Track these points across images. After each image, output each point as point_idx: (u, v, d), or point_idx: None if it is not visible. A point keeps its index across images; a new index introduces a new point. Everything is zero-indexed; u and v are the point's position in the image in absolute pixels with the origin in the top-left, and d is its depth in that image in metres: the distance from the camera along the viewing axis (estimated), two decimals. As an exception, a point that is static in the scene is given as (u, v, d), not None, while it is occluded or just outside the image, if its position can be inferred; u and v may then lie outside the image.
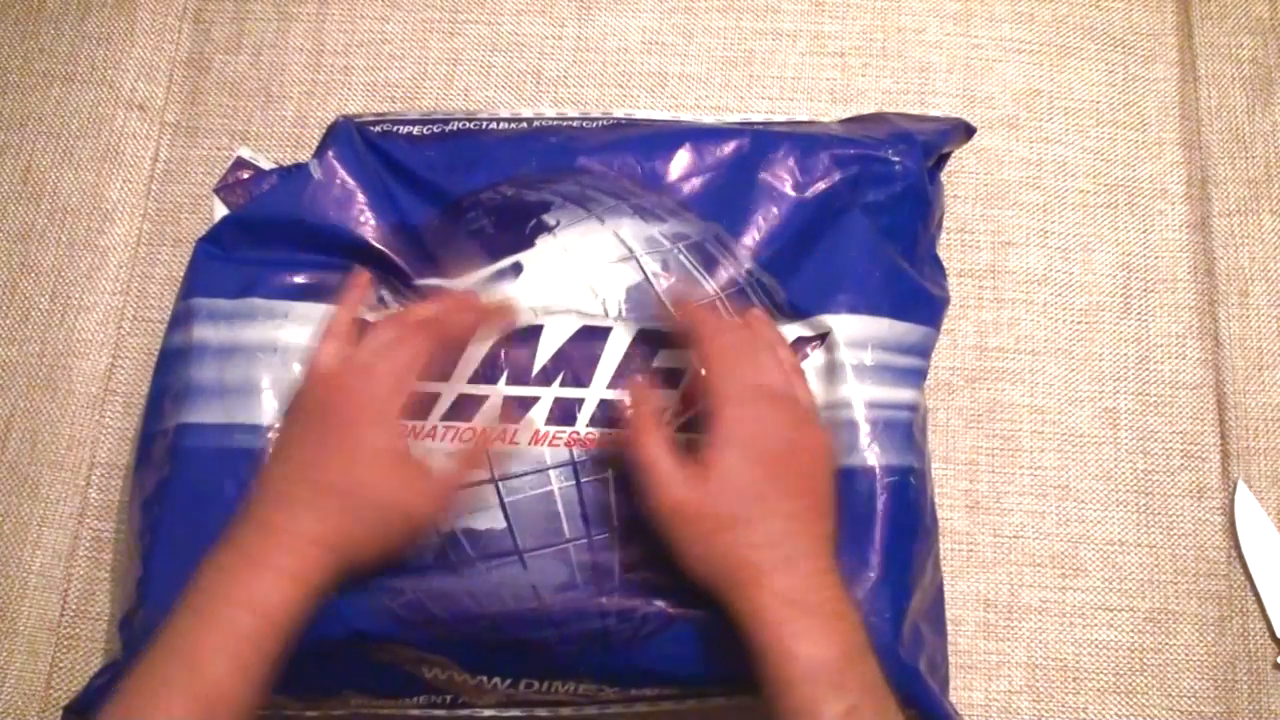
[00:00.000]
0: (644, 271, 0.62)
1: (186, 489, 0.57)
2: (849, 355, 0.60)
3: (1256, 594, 0.67)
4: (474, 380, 0.59)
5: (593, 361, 0.60)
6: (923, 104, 0.75)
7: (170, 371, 0.60)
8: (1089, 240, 0.73)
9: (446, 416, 0.58)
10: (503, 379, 0.59)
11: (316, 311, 0.60)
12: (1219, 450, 0.69)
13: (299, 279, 0.61)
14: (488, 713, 0.59)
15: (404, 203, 0.63)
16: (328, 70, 0.77)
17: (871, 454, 0.58)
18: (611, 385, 0.59)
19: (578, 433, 0.58)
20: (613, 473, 0.58)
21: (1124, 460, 0.69)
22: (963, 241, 0.73)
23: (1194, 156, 0.74)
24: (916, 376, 0.62)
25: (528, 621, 0.55)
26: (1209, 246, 0.73)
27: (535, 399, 0.59)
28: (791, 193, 0.62)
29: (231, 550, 0.50)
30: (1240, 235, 0.73)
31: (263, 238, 0.62)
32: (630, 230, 0.62)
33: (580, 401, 0.59)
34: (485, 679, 0.56)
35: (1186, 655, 0.66)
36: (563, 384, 0.59)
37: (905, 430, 0.59)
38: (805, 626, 0.48)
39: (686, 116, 0.69)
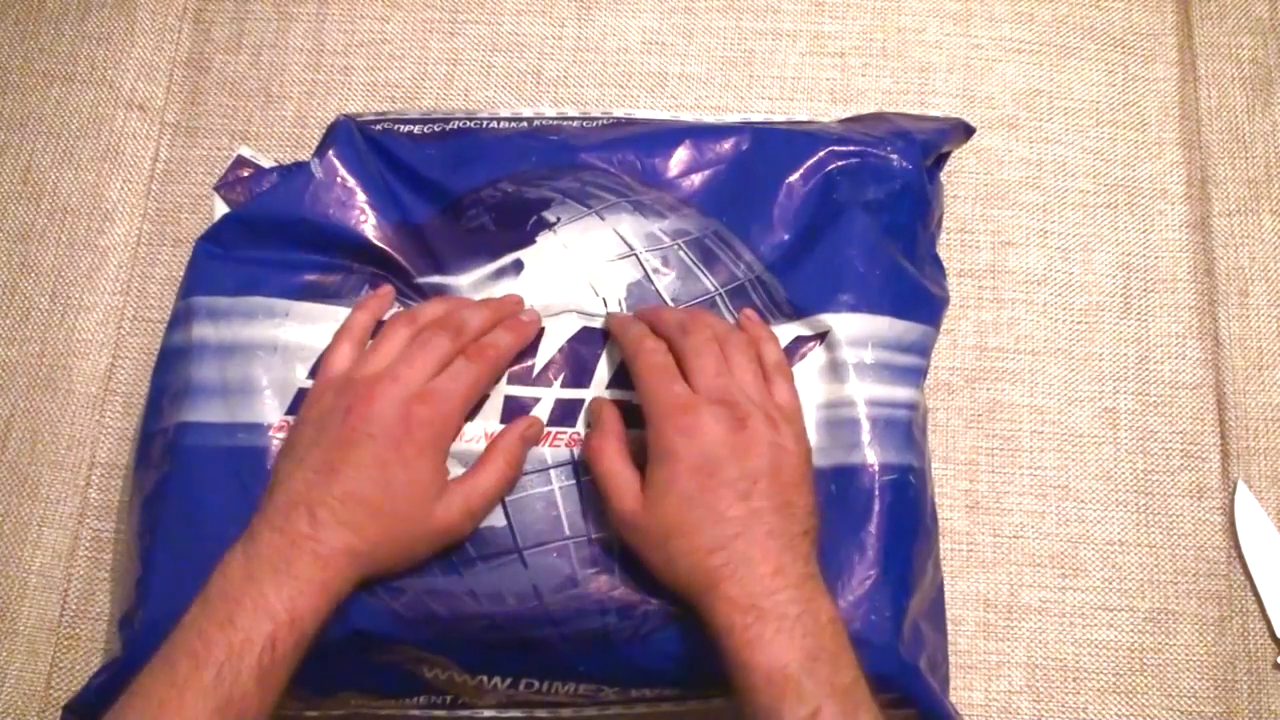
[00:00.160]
0: (644, 268, 0.62)
1: (186, 488, 0.57)
2: (849, 354, 0.59)
3: (1256, 594, 0.67)
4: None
5: (593, 361, 0.60)
6: (923, 104, 0.75)
7: (170, 370, 0.60)
8: (1089, 240, 0.73)
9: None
10: (504, 379, 0.59)
11: (317, 310, 0.60)
12: (1219, 450, 0.69)
13: (299, 278, 0.61)
14: (488, 713, 0.58)
15: (405, 201, 0.63)
16: (328, 70, 0.77)
17: (871, 452, 0.58)
18: (611, 385, 0.59)
19: (578, 433, 0.58)
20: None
21: (1124, 460, 0.69)
22: (963, 241, 0.73)
23: (1194, 156, 0.75)
24: (916, 375, 0.62)
25: (528, 620, 0.55)
26: (1209, 246, 0.73)
27: (536, 400, 0.59)
28: (791, 190, 0.62)
29: (253, 557, 0.50)
30: (1240, 235, 0.73)
31: (263, 236, 0.62)
32: (630, 227, 0.62)
33: (581, 402, 0.59)
34: (485, 679, 0.56)
35: (1186, 655, 0.66)
36: (563, 385, 0.59)
37: (905, 429, 0.59)
38: (759, 633, 0.48)
39: (686, 116, 0.69)
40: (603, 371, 0.60)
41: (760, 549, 0.50)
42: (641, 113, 0.70)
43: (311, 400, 0.56)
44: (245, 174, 0.65)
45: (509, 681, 0.56)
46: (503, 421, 0.58)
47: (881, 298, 0.61)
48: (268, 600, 0.48)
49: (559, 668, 0.56)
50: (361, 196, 0.62)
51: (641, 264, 0.62)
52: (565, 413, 0.59)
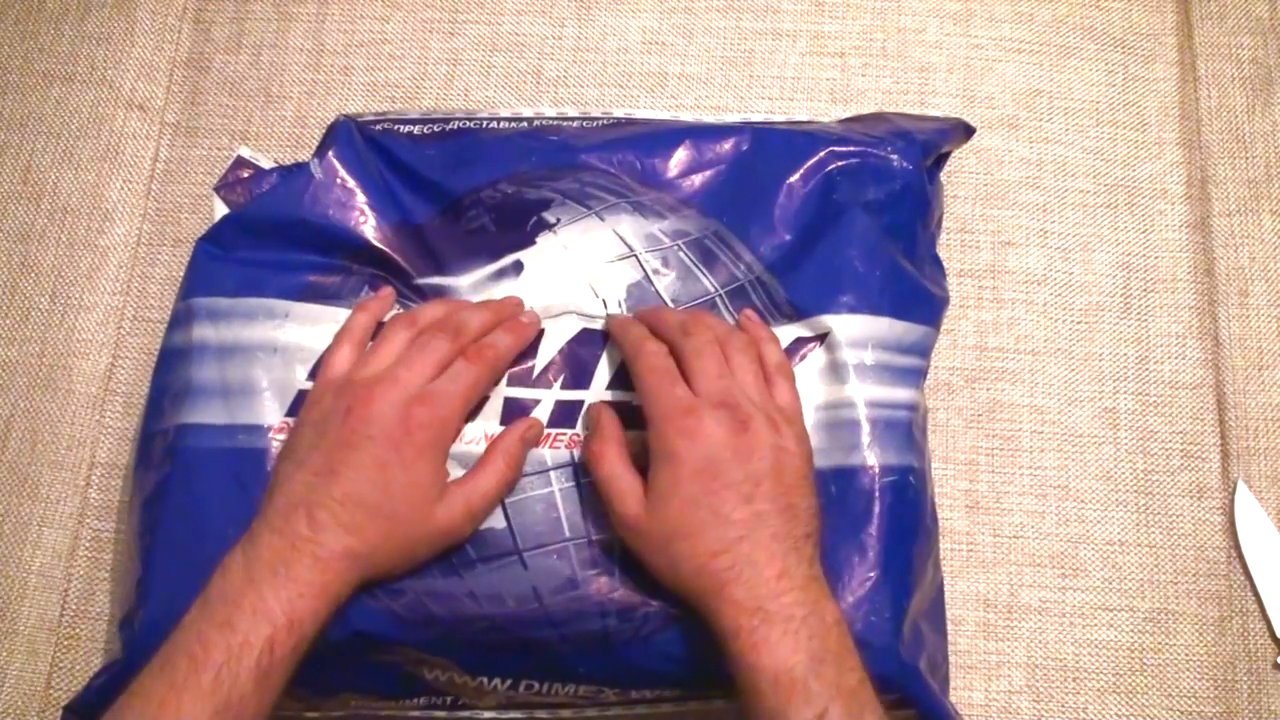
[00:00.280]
0: (644, 269, 0.62)
1: (186, 489, 0.57)
2: (850, 355, 0.59)
3: (1256, 594, 0.67)
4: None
5: (593, 363, 0.60)
6: (923, 104, 0.75)
7: (170, 371, 0.60)
8: (1089, 240, 0.73)
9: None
10: (504, 380, 0.59)
11: (317, 311, 0.60)
12: (1219, 450, 0.69)
13: (299, 279, 0.61)
14: (488, 714, 0.58)
15: (405, 202, 0.63)
16: (328, 70, 0.77)
17: (871, 454, 0.58)
18: (611, 387, 0.59)
19: (578, 434, 0.58)
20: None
21: (1124, 460, 0.69)
22: (963, 241, 0.73)
23: (1194, 156, 0.75)
24: (916, 376, 0.62)
25: (528, 622, 0.55)
26: (1209, 246, 0.73)
27: (536, 401, 0.59)
28: (791, 191, 0.62)
29: (253, 559, 0.50)
30: (1240, 235, 0.73)
31: (263, 237, 0.62)
32: (630, 227, 0.62)
33: (580, 403, 0.59)
34: (485, 680, 0.56)
35: (1186, 655, 0.66)
36: (563, 386, 0.59)
37: (905, 430, 0.59)
38: (765, 635, 0.48)
39: (686, 116, 0.69)
40: (603, 373, 0.60)
41: (765, 551, 0.50)
42: (641, 113, 0.70)
43: (311, 402, 0.56)
44: (245, 175, 0.65)
45: (509, 683, 0.56)
46: (503, 423, 0.58)
47: (881, 299, 0.61)
48: (266, 603, 0.48)
49: (559, 669, 0.56)
50: (361, 197, 0.62)
51: (641, 265, 0.62)
52: (565, 414, 0.59)
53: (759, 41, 0.77)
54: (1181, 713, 0.65)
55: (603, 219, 0.62)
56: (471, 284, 0.62)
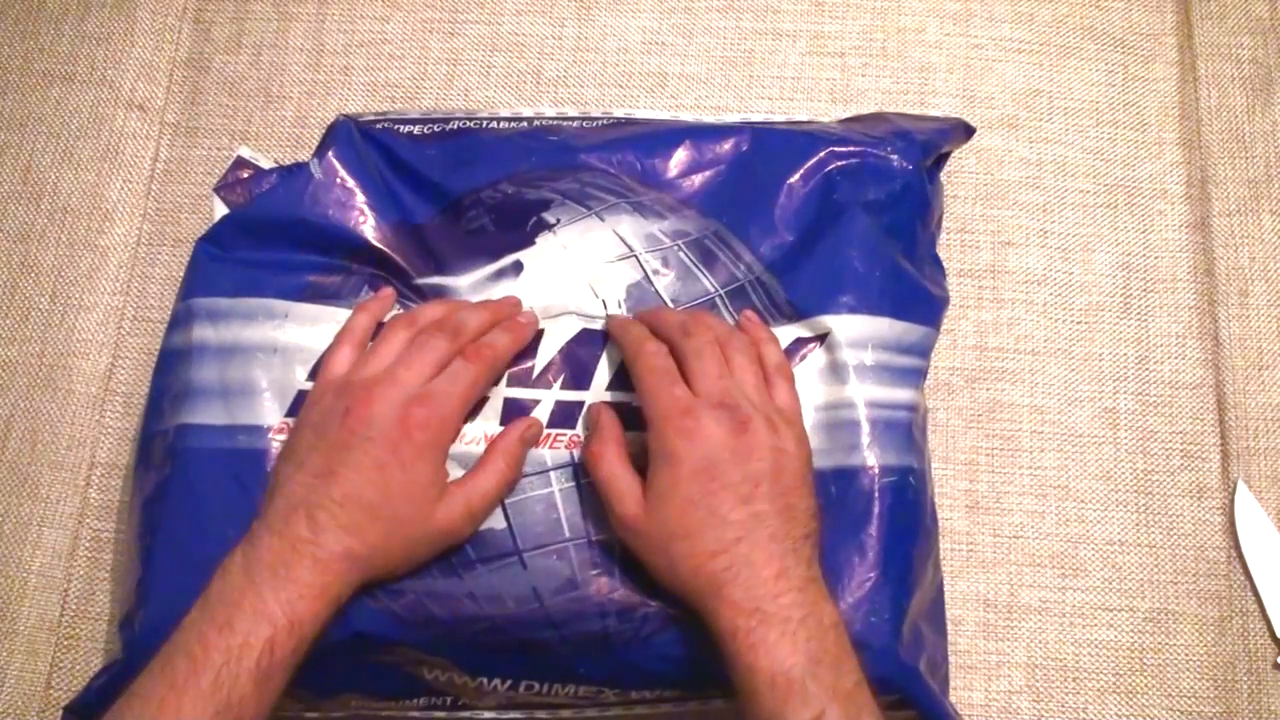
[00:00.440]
0: (644, 269, 0.62)
1: (187, 490, 0.57)
2: (849, 355, 0.59)
3: (1256, 594, 0.67)
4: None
5: (592, 363, 0.60)
6: (923, 104, 0.75)
7: (170, 372, 0.60)
8: (1089, 240, 0.73)
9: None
10: (503, 381, 0.59)
11: (317, 311, 0.60)
12: (1219, 450, 0.69)
13: (299, 279, 0.61)
14: (488, 715, 0.58)
15: (405, 202, 0.63)
16: (328, 70, 0.77)
17: (871, 454, 0.58)
18: (611, 387, 0.59)
19: (578, 435, 0.58)
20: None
21: (1124, 460, 0.69)
22: (963, 241, 0.73)
23: (1194, 156, 0.75)
24: (916, 376, 0.62)
25: (528, 622, 0.55)
26: (1209, 246, 0.73)
27: (536, 401, 0.59)
28: (791, 191, 0.62)
29: (253, 560, 0.50)
30: (1240, 235, 0.73)
31: (263, 237, 0.62)
32: (630, 228, 0.62)
33: (580, 404, 0.59)
34: (485, 680, 0.56)
35: (1186, 655, 0.66)
36: (563, 386, 0.59)
37: (905, 430, 0.59)
38: (763, 636, 0.48)
39: (686, 116, 0.69)
40: (602, 373, 0.60)
41: (763, 552, 0.50)
42: (641, 113, 0.70)
43: (311, 403, 0.56)
44: (245, 175, 0.65)
45: (509, 683, 0.56)
46: (502, 423, 0.58)
47: (881, 299, 0.61)
48: (266, 604, 0.48)
49: (559, 670, 0.56)
50: (361, 197, 0.62)
51: (641, 265, 0.62)
52: (565, 414, 0.59)
53: (759, 41, 0.77)
54: (1181, 713, 0.65)
55: (602, 219, 0.62)
56: (471, 284, 0.62)
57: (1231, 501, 0.68)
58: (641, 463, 0.54)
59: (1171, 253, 0.73)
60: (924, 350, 0.62)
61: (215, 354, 0.59)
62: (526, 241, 0.62)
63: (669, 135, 0.64)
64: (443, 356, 0.55)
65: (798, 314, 0.61)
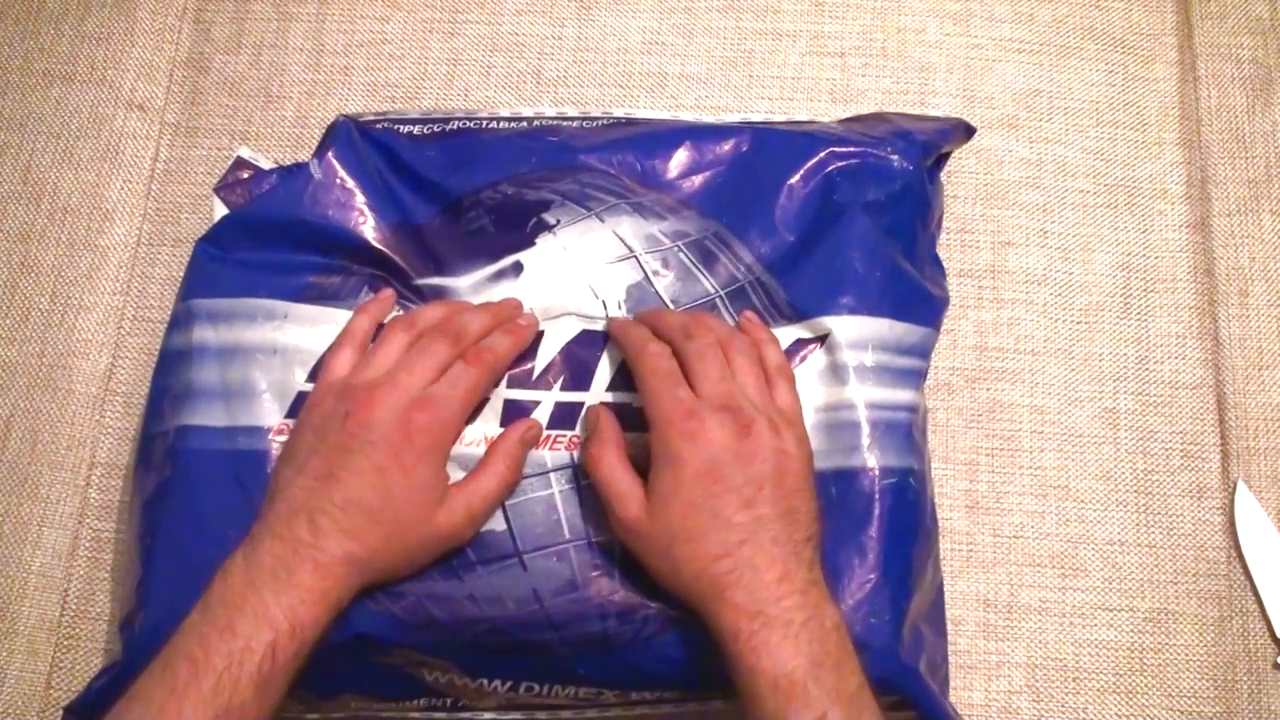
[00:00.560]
0: (644, 270, 0.62)
1: (187, 491, 0.57)
2: (850, 356, 0.59)
3: (1256, 594, 0.67)
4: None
5: (592, 364, 0.60)
6: (923, 104, 0.75)
7: (170, 373, 0.60)
8: (1089, 240, 0.73)
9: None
10: (503, 382, 0.59)
11: (316, 312, 0.60)
12: (1219, 450, 0.69)
13: (299, 279, 0.61)
14: (488, 716, 0.58)
15: (404, 202, 0.63)
16: (328, 70, 0.77)
17: (871, 455, 0.58)
18: (611, 388, 0.59)
19: (578, 436, 0.58)
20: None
21: (1124, 460, 0.69)
22: (963, 241, 0.73)
23: (1194, 156, 0.74)
24: (916, 377, 0.62)
25: (528, 624, 0.55)
26: (1209, 246, 0.73)
27: (536, 403, 0.59)
28: (791, 192, 0.62)
29: (255, 564, 0.50)
30: (1240, 235, 0.73)
31: (263, 238, 0.62)
32: (630, 228, 0.62)
33: (581, 405, 0.59)
34: (486, 682, 0.56)
35: (1186, 655, 0.66)
36: (563, 388, 0.59)
37: (905, 431, 0.59)
38: (765, 639, 0.48)
39: (686, 116, 0.69)
40: (602, 374, 0.60)
41: (766, 555, 0.50)
42: (641, 113, 0.70)
43: (311, 405, 0.56)
44: (245, 176, 0.65)
45: (509, 685, 0.56)
46: (502, 424, 0.58)
47: (881, 300, 0.61)
48: (269, 608, 0.48)
49: (559, 671, 0.56)
50: (361, 198, 0.62)
51: (641, 266, 0.62)
52: (565, 416, 0.59)
53: (759, 41, 0.77)
54: (1181, 713, 0.65)
55: (602, 220, 0.62)
56: (471, 285, 0.62)
57: (1231, 501, 0.68)
58: (640, 464, 0.54)
59: (1171, 253, 0.73)
60: (924, 351, 0.62)
61: (215, 355, 0.59)
62: (526, 242, 0.62)
63: (669, 136, 0.64)
64: (443, 360, 0.55)
65: (798, 315, 0.61)
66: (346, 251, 0.62)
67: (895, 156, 0.63)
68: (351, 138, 0.64)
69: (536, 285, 0.61)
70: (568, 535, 0.56)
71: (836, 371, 0.60)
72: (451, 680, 0.56)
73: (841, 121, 0.69)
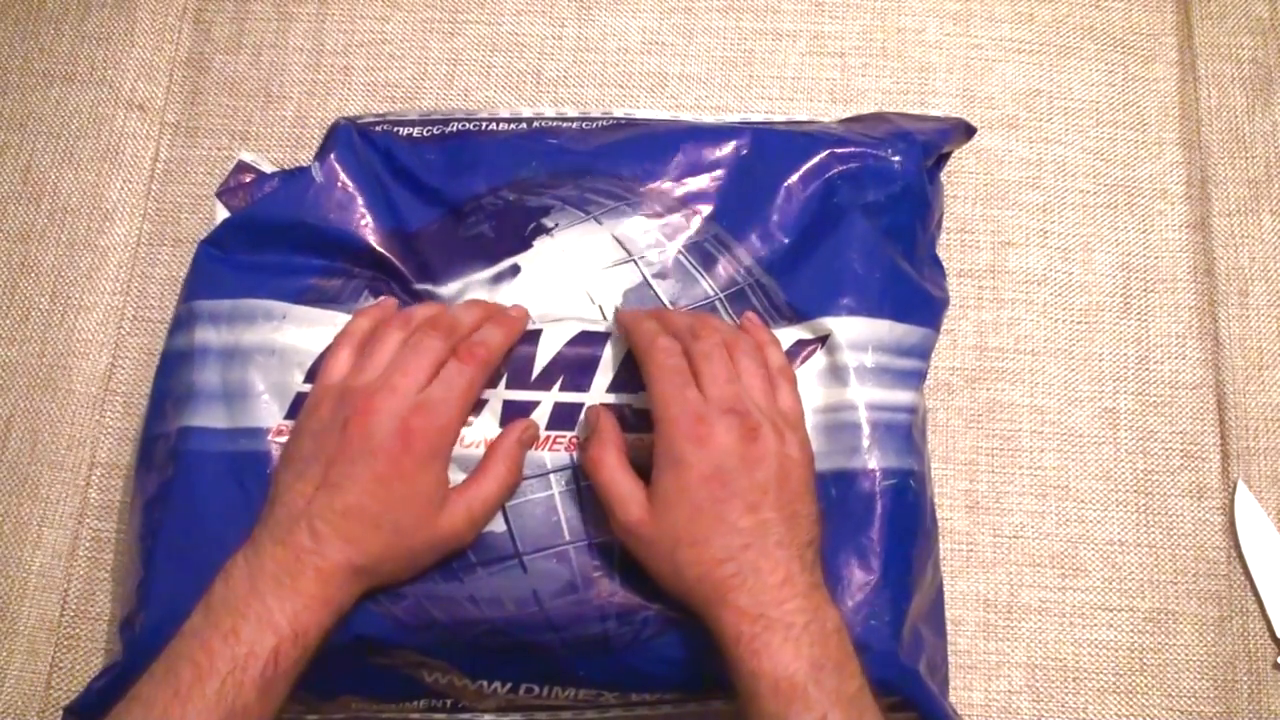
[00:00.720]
0: (643, 273, 0.62)
1: (189, 493, 0.57)
2: (850, 357, 0.59)
3: (1256, 594, 0.67)
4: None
5: (592, 365, 0.60)
6: (923, 104, 0.75)
7: (172, 374, 0.60)
8: (1089, 240, 0.73)
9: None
10: (502, 383, 0.59)
11: (315, 314, 0.60)
12: (1219, 450, 0.69)
13: (299, 281, 0.61)
14: (488, 717, 0.58)
15: (404, 206, 0.63)
16: (328, 70, 0.77)
17: (871, 457, 0.58)
18: (610, 389, 0.59)
19: (578, 437, 0.58)
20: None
21: (1124, 460, 0.69)
22: (963, 241, 0.73)
23: (1194, 156, 0.74)
24: (916, 378, 0.61)
25: (528, 625, 0.55)
26: (1209, 246, 0.73)
27: (535, 403, 0.59)
28: (791, 193, 0.62)
29: (257, 568, 0.50)
30: (1240, 235, 0.73)
31: (264, 240, 0.62)
32: (629, 231, 0.62)
33: (580, 406, 0.59)
34: (485, 683, 0.56)
35: (1186, 655, 0.66)
36: (562, 388, 0.59)
37: (905, 432, 0.59)
38: (767, 641, 0.48)
39: (686, 116, 0.69)
40: (602, 375, 0.59)
41: (769, 560, 0.50)
42: (642, 113, 0.70)
43: (309, 408, 0.56)
44: (246, 179, 0.65)
45: (509, 686, 0.56)
46: (501, 425, 0.58)
47: (882, 301, 0.61)
48: (272, 613, 0.48)
49: (559, 673, 0.56)
50: (361, 201, 0.62)
51: (640, 269, 0.62)
52: (565, 416, 0.58)
53: (759, 41, 0.77)
54: (1181, 713, 0.65)
55: (601, 223, 0.62)
56: (469, 289, 0.62)
57: (1231, 501, 0.68)
58: (640, 464, 0.54)
59: (1171, 253, 0.73)
60: (924, 352, 0.62)
61: (217, 357, 0.59)
62: (524, 246, 0.62)
63: (668, 138, 0.64)
64: (438, 356, 0.55)
65: (798, 316, 0.61)
66: (347, 254, 0.62)
67: (895, 157, 0.63)
68: (352, 141, 0.64)
69: (535, 289, 0.61)
70: (567, 537, 0.56)
71: (837, 373, 0.59)
72: (451, 681, 0.56)
73: (841, 122, 0.69)
